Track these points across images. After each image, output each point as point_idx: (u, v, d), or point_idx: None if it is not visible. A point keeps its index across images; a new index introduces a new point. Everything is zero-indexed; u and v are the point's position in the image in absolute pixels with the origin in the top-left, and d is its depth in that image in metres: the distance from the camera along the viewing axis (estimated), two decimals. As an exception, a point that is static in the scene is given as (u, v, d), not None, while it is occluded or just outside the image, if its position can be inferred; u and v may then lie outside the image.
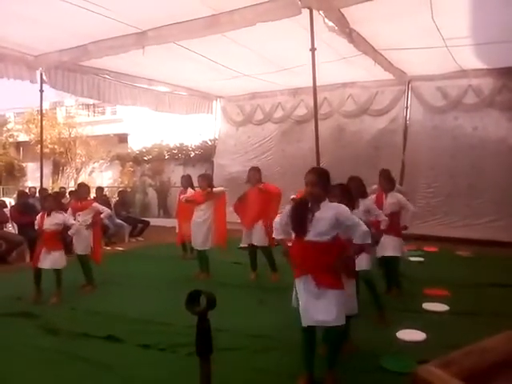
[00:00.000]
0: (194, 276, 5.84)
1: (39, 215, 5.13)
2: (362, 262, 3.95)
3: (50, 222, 4.95)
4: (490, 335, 1.35)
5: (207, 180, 6.00)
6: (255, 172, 5.73)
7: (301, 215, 2.76)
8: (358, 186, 4.13)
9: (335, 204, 2.78)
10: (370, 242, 2.80)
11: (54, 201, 5.15)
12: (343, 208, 2.76)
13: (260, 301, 4.66)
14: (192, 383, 2.20)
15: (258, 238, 5.64)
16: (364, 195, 4.19)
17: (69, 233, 5.14)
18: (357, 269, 3.88)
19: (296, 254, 2.83)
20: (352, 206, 3.31)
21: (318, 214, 2.71)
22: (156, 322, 4.09)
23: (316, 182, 2.75)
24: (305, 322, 2.73)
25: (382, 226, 4.28)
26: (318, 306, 2.67)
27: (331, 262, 2.70)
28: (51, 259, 4.90)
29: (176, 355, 3.36)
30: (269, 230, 5.14)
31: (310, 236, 2.71)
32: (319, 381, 2.81)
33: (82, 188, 5.88)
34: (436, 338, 3.48)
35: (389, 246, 4.62)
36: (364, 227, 2.77)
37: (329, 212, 2.70)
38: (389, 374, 2.93)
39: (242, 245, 6.25)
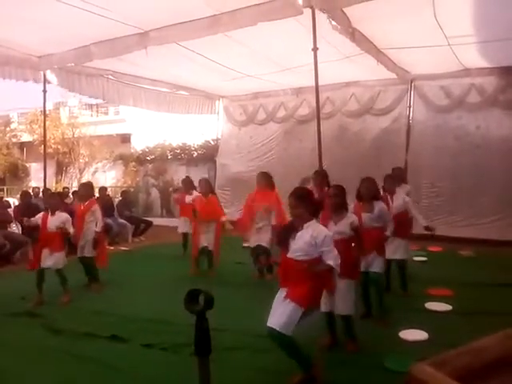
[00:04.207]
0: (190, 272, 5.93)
1: (42, 214, 4.97)
2: (376, 265, 3.89)
3: (53, 221, 4.82)
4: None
5: (208, 186, 6.23)
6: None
7: (284, 235, 2.91)
8: (371, 187, 3.90)
9: (316, 225, 2.85)
10: (338, 264, 2.80)
11: (59, 199, 5.07)
12: (321, 230, 2.83)
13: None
14: (193, 383, 2.20)
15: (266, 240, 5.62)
16: (377, 197, 3.96)
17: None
18: (365, 270, 3.87)
19: (280, 268, 2.97)
20: (345, 207, 3.44)
21: (299, 234, 2.82)
22: (159, 322, 4.10)
23: (295, 204, 2.87)
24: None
25: (388, 233, 4.12)
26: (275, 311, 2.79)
27: (306, 278, 2.75)
28: (53, 259, 4.80)
29: (178, 355, 3.37)
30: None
31: (290, 253, 2.82)
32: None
33: (84, 188, 5.70)
34: (439, 337, 3.47)
35: (398, 249, 4.58)
36: (335, 252, 2.81)
37: (308, 231, 2.79)
38: (391, 374, 2.92)
39: (245, 244, 6.24)
